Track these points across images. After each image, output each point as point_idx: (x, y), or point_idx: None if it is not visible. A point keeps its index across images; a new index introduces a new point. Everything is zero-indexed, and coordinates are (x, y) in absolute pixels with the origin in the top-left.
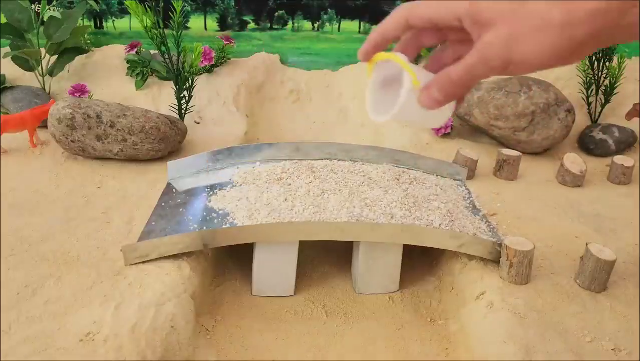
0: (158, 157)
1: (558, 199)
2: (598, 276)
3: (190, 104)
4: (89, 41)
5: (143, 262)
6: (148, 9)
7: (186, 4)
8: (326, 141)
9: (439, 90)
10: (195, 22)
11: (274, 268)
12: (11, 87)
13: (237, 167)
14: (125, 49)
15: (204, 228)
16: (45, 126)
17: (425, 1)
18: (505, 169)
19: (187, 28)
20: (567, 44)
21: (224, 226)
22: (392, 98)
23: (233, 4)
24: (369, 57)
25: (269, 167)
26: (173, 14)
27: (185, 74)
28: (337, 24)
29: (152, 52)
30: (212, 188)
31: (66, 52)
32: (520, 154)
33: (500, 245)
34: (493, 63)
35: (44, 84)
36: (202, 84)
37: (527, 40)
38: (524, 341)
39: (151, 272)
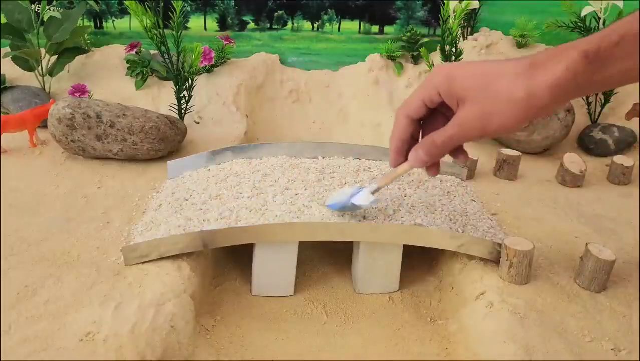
0: (158, 157)
1: (558, 199)
2: (598, 276)
3: (190, 104)
4: (88, 41)
5: (143, 262)
6: (148, 9)
7: (186, 4)
8: (326, 140)
9: (425, 153)
10: (195, 22)
11: (274, 268)
12: (11, 87)
13: (237, 167)
14: (125, 49)
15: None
16: (45, 126)
17: (412, 94)
18: (505, 169)
19: (187, 28)
20: (532, 112)
21: (224, 227)
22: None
23: (233, 4)
24: (399, 162)
25: (268, 167)
26: (173, 14)
27: (185, 74)
28: (337, 24)
29: (152, 52)
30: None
31: (66, 52)
32: (520, 154)
33: (500, 245)
34: (470, 134)
35: (43, 84)
36: (202, 84)
37: (496, 115)
38: (524, 341)
39: (151, 272)
